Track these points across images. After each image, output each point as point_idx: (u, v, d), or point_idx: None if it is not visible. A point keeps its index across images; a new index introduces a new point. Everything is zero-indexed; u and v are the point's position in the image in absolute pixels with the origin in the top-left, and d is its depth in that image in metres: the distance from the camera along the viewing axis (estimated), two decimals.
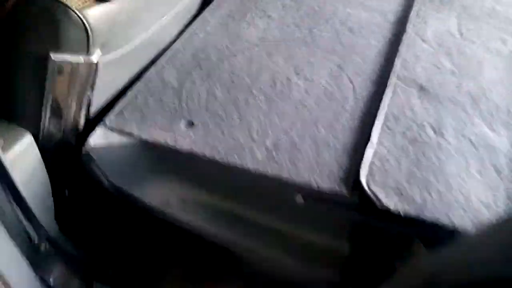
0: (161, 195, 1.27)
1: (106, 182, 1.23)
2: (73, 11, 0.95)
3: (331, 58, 1.44)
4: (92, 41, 1.00)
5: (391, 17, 1.60)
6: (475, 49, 1.44)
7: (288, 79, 1.37)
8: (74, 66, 1.04)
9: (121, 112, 1.27)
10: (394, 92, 1.28)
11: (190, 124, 1.25)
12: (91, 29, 0.98)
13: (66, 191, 1.30)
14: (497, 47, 1.45)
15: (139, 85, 1.34)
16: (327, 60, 1.44)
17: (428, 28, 1.52)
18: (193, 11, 1.61)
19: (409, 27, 1.51)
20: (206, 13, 1.65)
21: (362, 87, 1.33)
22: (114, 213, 1.33)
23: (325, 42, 1.51)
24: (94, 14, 0.99)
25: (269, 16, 1.63)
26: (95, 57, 1.05)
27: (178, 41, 1.49)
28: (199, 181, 1.25)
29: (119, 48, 1.17)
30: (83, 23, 0.96)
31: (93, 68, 1.07)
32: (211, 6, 1.69)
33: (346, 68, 1.40)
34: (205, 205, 1.25)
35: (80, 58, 1.03)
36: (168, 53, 1.45)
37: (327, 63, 1.43)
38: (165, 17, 1.35)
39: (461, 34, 1.51)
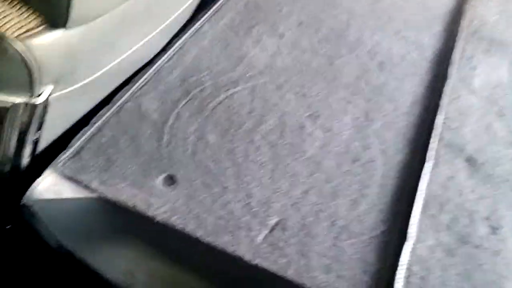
0: (124, 266, 0.96)
1: (54, 243, 0.92)
2: (9, 41, 0.63)
3: (356, 101, 1.15)
4: (39, 78, 0.68)
5: (430, 54, 1.31)
6: None
7: (301, 126, 1.07)
8: (12, 108, 0.72)
9: (78, 154, 0.95)
10: (436, 163, 1.00)
11: (170, 180, 0.94)
12: (36, 63, 0.66)
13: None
14: None
15: (107, 117, 1.02)
16: (350, 104, 1.14)
17: (476, 76, 1.24)
18: (186, 18, 1.28)
19: (452, 71, 1.23)
20: (202, 22, 1.33)
21: (394, 148, 1.04)
22: (61, 280, 1.02)
23: (349, 78, 1.21)
24: (42, 44, 0.67)
25: (281, 35, 1.32)
26: (42, 97, 0.73)
27: (163, 58, 1.17)
28: (175, 256, 0.94)
29: (83, 80, 0.85)
30: (23, 56, 0.64)
31: (39, 109, 0.75)
32: (209, 13, 1.37)
33: (375, 118, 1.11)
34: (179, 285, 0.95)
35: (18, 100, 0.71)
36: (150, 73, 1.12)
37: (351, 108, 1.13)
38: (148, 37, 1.02)
39: None
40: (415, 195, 0.92)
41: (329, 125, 1.08)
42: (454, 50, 1.29)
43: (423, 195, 0.93)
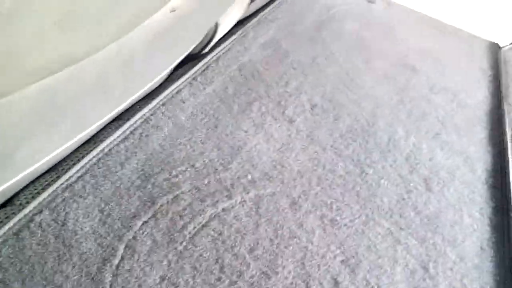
0: None
1: None
2: None
3: (406, 241, 0.75)
4: None
5: (482, 172, 0.97)
6: None
7: (335, 280, 0.65)
8: None
9: None
10: None
11: None
12: None
13: None
14: None
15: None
16: (399, 246, 0.74)
17: None
18: (161, 80, 0.85)
19: None
20: (179, 85, 0.90)
21: None
22: None
23: (390, 200, 0.82)
24: None
25: (290, 121, 0.93)
26: None
27: (114, 136, 0.72)
28: None
29: None
30: None
31: None
32: (190, 73, 0.95)
33: (437, 273, 0.72)
34: None
35: None
36: (84, 164, 0.66)
37: (401, 252, 0.73)
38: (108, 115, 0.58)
39: None
40: None
41: (375, 282, 0.67)
42: (508, 160, 0.96)
43: None
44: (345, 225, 0.75)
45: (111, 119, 0.73)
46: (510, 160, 1.00)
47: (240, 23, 1.22)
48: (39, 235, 0.55)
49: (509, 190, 0.92)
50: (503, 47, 1.52)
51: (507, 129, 1.12)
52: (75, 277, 0.53)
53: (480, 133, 1.10)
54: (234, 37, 1.14)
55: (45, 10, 0.38)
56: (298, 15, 1.35)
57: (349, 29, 1.35)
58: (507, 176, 0.96)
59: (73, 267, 0.54)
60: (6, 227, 0.54)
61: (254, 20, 1.25)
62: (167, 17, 0.70)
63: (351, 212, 0.78)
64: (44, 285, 0.51)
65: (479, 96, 1.23)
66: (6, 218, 0.55)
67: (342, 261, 0.69)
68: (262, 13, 1.29)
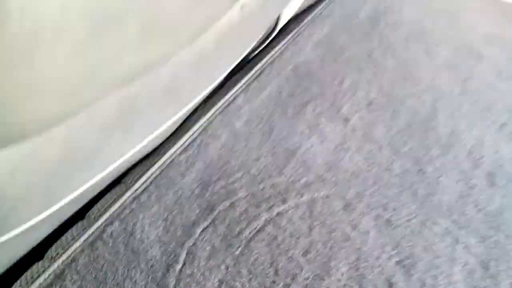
0: None
1: None
2: None
3: (466, 239, 0.74)
4: None
5: None
6: None
7: (388, 282, 0.66)
8: None
9: None
10: None
11: None
12: None
13: None
14: None
15: (75, 250, 0.61)
16: (458, 244, 0.73)
17: None
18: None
19: None
20: (234, 93, 0.94)
21: None
22: None
23: (449, 198, 0.81)
24: None
25: (345, 120, 0.94)
26: None
27: (174, 149, 0.78)
28: None
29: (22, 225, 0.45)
30: None
31: None
32: (244, 80, 0.99)
33: (498, 272, 0.70)
34: None
35: None
36: (149, 175, 0.73)
37: (460, 251, 0.73)
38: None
39: None
40: None
41: (431, 283, 0.67)
42: None
43: None
44: (400, 225, 0.75)
45: (179, 121, 0.78)
46: None
47: (296, 18, 1.24)
48: (110, 244, 0.62)
49: None
50: None
51: None
52: (142, 283, 0.59)
53: None
54: (288, 37, 1.16)
55: (126, 23, 0.42)
56: (354, 8, 1.33)
57: (408, 19, 1.31)
58: None
59: (141, 273, 0.60)
60: (82, 238, 0.61)
61: (309, 17, 1.25)
62: (237, 15, 0.72)
63: (408, 212, 0.78)
64: None
65: None
66: (83, 230, 0.63)
67: (397, 262, 0.70)
68: (317, 9, 1.29)
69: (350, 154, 0.86)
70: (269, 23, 1.02)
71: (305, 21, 1.24)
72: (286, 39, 1.14)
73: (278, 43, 1.13)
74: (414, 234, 0.74)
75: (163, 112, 0.68)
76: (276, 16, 1.02)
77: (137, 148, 0.65)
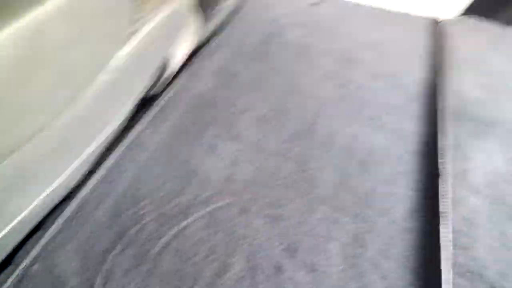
0: None
1: None
2: None
3: (340, 220, 0.91)
4: None
5: (415, 144, 1.10)
6: None
7: (277, 267, 0.81)
8: None
9: None
10: None
11: None
12: None
13: None
14: None
15: None
16: (334, 225, 0.90)
17: (471, 170, 1.04)
18: (120, 124, 1.02)
19: (446, 167, 1.02)
20: (142, 128, 1.08)
21: (399, 279, 0.80)
22: None
23: (327, 188, 0.97)
24: None
25: (238, 137, 1.09)
26: None
27: (87, 187, 0.90)
28: None
29: None
30: None
31: None
32: (151, 112, 1.13)
33: (367, 242, 0.87)
34: None
35: None
36: (67, 213, 0.85)
37: (336, 231, 0.89)
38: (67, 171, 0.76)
39: None
40: None
41: (311, 261, 0.83)
42: (441, 138, 1.09)
43: None
44: (288, 218, 0.91)
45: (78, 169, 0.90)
46: (440, 127, 1.14)
47: (196, 51, 1.39)
48: (31, 285, 0.74)
49: (438, 155, 1.06)
50: (440, 22, 1.64)
51: (440, 101, 1.25)
52: None
53: (416, 110, 1.23)
54: (189, 70, 1.31)
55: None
56: (247, 33, 1.51)
57: (292, 38, 1.50)
58: (436, 145, 1.09)
59: None
60: (9, 280, 0.72)
61: (206, 47, 1.41)
62: (107, 78, 0.86)
63: (292, 206, 0.93)
64: None
65: (417, 75, 1.37)
66: (11, 273, 0.74)
67: (283, 249, 0.85)
68: (212, 39, 1.46)
69: (243, 166, 1.01)
70: (153, 69, 1.13)
71: (202, 52, 1.39)
72: (187, 72, 1.29)
73: (180, 76, 1.27)
74: (299, 223, 0.90)
75: (57, 167, 0.79)
76: (161, 61, 1.14)
77: (42, 197, 0.76)
